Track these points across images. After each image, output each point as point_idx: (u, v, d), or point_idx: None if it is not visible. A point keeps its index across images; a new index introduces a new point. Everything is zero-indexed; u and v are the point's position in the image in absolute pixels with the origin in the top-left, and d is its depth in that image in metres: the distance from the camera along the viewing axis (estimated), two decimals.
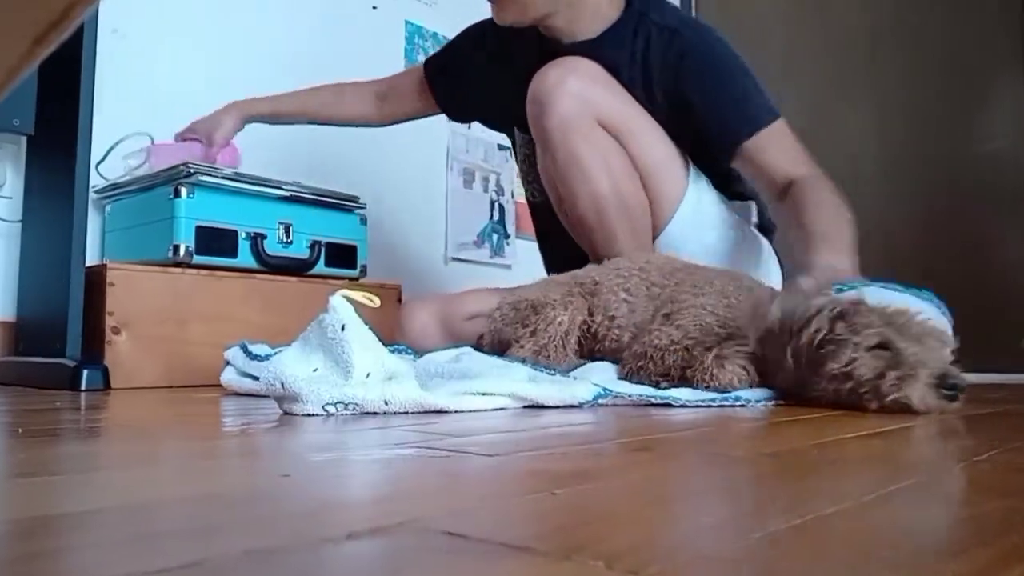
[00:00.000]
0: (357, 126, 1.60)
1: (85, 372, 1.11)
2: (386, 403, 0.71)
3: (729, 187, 1.35)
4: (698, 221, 1.28)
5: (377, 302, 0.73)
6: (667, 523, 0.32)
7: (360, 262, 1.53)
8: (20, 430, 0.62)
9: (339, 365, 0.72)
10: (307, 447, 0.56)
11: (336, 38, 1.86)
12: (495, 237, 2.24)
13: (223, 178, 1.34)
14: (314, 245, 1.46)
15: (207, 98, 1.51)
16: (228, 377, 1.01)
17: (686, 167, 1.28)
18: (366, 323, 0.74)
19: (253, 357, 0.98)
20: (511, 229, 2.27)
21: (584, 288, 1.09)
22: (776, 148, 1.20)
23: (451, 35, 1.54)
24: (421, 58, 2.06)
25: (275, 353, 0.89)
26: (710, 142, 1.24)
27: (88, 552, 0.26)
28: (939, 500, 0.38)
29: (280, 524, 0.30)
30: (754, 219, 1.40)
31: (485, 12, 1.33)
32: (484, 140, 2.12)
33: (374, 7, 1.96)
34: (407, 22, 2.03)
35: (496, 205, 2.25)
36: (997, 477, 0.43)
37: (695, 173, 1.29)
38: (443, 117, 1.59)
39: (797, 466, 0.47)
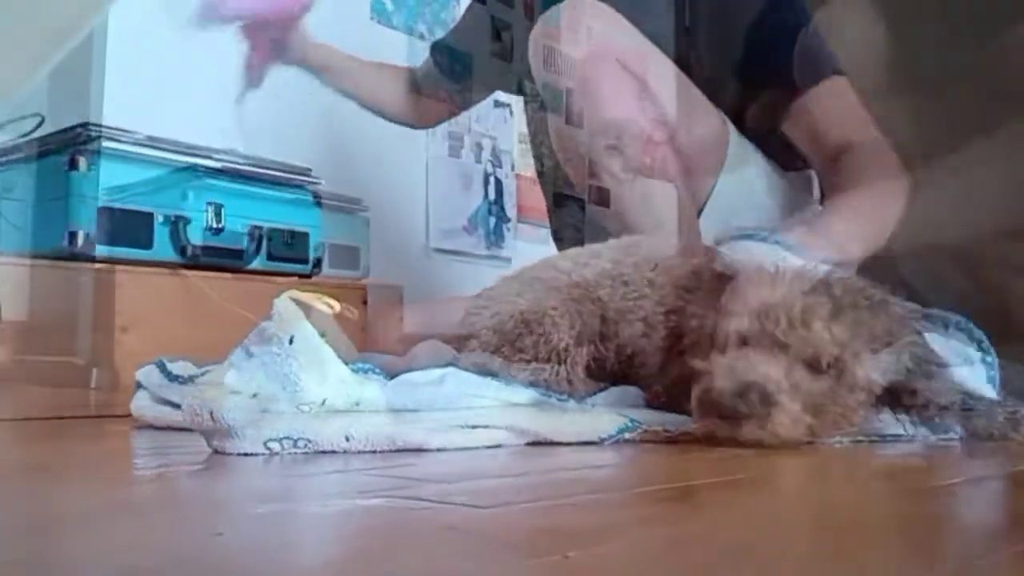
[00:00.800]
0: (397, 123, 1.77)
1: None
2: (347, 439, 0.71)
3: (792, 163, 1.39)
4: (744, 193, 1.32)
5: (336, 307, 0.74)
6: None
7: (313, 255, 1.54)
8: None
9: (286, 389, 0.72)
10: (245, 496, 0.56)
11: None
12: (491, 221, 2.25)
13: (135, 144, 1.34)
14: (253, 232, 1.46)
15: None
16: (140, 404, 1.01)
17: (726, 129, 1.33)
18: (322, 334, 0.75)
19: (173, 379, 0.98)
20: (511, 211, 2.28)
21: (583, 291, 1.08)
22: (832, 107, 1.25)
23: None
24: None
25: (202, 374, 0.89)
26: (757, 97, 1.30)
27: None
28: None
29: None
30: (816, 194, 1.44)
31: None
32: None
33: None
34: None
35: (492, 180, 2.26)
36: None
37: (737, 136, 1.34)
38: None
39: (877, 517, 0.47)
